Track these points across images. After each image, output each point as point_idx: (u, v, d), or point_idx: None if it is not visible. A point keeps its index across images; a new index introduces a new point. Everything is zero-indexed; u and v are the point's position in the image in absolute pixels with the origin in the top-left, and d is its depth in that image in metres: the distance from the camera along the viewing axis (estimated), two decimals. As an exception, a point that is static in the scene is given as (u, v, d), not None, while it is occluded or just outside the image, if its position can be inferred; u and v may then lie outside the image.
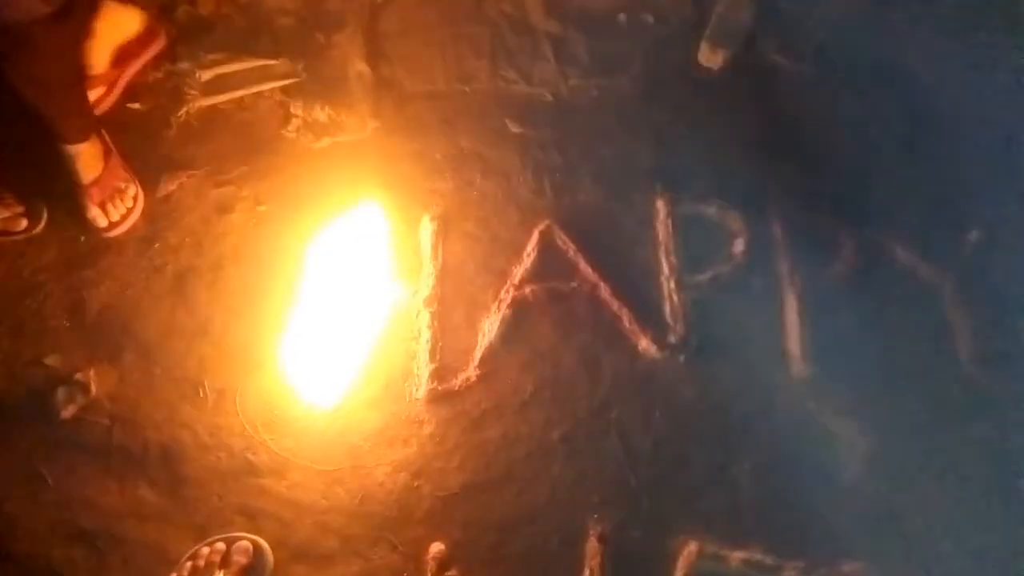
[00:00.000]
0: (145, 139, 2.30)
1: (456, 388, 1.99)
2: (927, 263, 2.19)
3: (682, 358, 2.05)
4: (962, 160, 2.30)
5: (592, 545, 1.81)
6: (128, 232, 2.17)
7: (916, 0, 2.57)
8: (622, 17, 2.58)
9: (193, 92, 2.35)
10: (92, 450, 1.90)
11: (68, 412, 1.92)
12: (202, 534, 1.81)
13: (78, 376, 1.96)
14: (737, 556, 1.80)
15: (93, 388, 1.95)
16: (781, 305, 2.13)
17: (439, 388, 1.98)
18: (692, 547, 1.81)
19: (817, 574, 1.79)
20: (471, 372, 2.01)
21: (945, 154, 2.33)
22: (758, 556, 1.80)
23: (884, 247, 2.21)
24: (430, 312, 2.09)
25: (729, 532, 1.83)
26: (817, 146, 2.38)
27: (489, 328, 2.07)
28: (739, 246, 2.22)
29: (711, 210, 2.27)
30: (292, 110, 2.35)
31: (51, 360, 2.00)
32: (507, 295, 2.11)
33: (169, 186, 2.23)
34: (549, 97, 2.45)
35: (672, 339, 2.07)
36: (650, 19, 2.58)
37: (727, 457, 1.93)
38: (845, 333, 2.09)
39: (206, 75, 2.37)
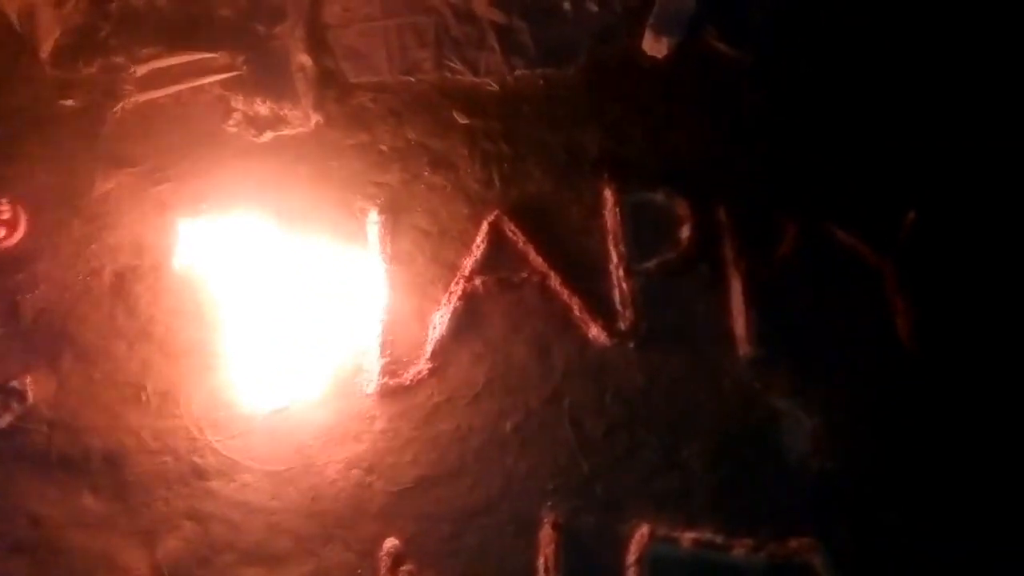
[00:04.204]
0: (79, 137, 2.22)
1: (407, 382, 1.97)
2: (867, 244, 2.22)
3: (632, 344, 2.05)
4: (901, 144, 2.34)
5: (546, 533, 1.81)
6: (64, 233, 2.08)
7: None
8: (567, 5, 2.56)
9: (128, 87, 2.27)
10: (31, 459, 1.84)
11: (4, 421, 1.85)
12: (149, 540, 1.76)
13: (14, 383, 1.90)
14: (688, 537, 1.82)
15: (30, 395, 1.89)
16: (727, 289, 2.14)
17: (390, 383, 1.96)
18: (644, 530, 1.82)
19: (766, 551, 1.81)
20: (422, 366, 1.99)
21: (884, 138, 2.36)
22: (709, 536, 1.82)
23: (825, 230, 2.24)
24: (379, 306, 2.05)
25: (680, 514, 1.85)
26: (759, 132, 2.39)
27: (440, 321, 2.04)
28: (685, 232, 2.23)
29: (658, 197, 2.28)
30: (233, 104, 2.29)
31: (-12, 368, 1.93)
32: (457, 287, 2.09)
33: (106, 184, 2.16)
34: (495, 87, 2.42)
35: (622, 326, 2.07)
36: (594, 7, 2.56)
37: (677, 440, 1.94)
38: (790, 315, 2.11)
39: (142, 70, 2.29)
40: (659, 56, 2.51)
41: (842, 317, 2.13)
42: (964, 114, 2.32)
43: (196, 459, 1.85)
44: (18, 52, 2.27)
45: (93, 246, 2.09)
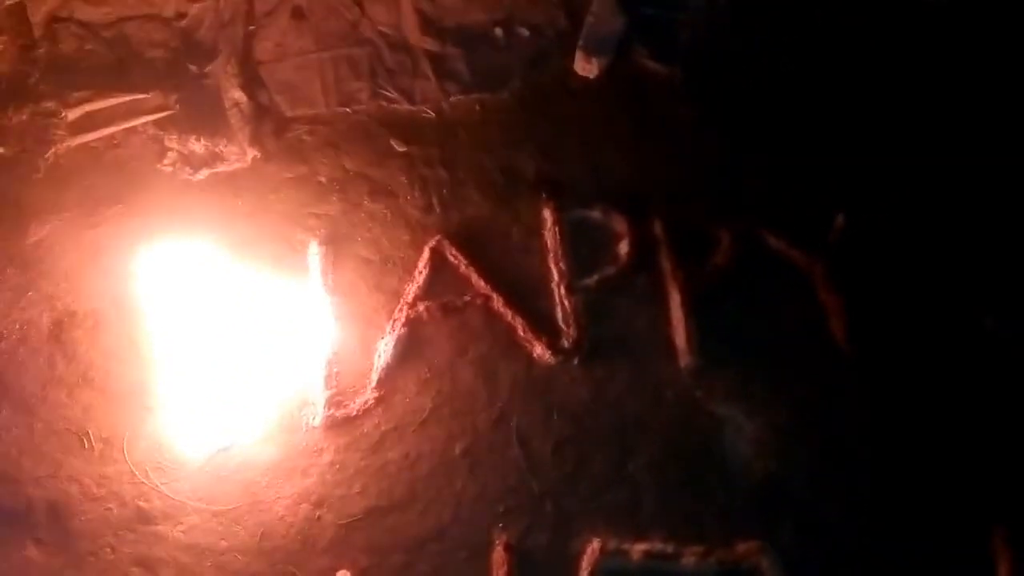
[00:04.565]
0: (12, 184, 2.20)
1: (354, 413, 1.98)
2: (797, 249, 2.30)
3: (576, 361, 2.09)
4: (828, 150, 2.42)
5: (498, 555, 1.82)
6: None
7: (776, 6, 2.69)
8: (498, 31, 2.61)
9: (60, 132, 2.26)
10: (-29, 515, 1.80)
11: (-58, 477, 1.81)
12: (98, 592, 1.74)
13: (-50, 438, 1.86)
14: (638, 549, 1.85)
15: (-33, 449, 1.85)
16: (666, 301, 2.19)
17: (336, 414, 1.96)
18: (595, 545, 1.85)
19: (715, 556, 1.85)
20: (369, 395, 2.00)
21: (811, 145, 2.45)
22: (659, 546, 1.86)
23: (758, 237, 2.31)
24: (323, 338, 2.06)
25: (630, 526, 1.88)
26: (691, 146, 2.47)
27: (384, 349, 2.06)
28: (623, 247, 2.28)
29: (596, 214, 2.33)
30: (167, 143, 2.29)
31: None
32: (401, 314, 2.11)
33: (40, 231, 2.14)
34: (431, 114, 2.46)
35: (565, 343, 2.11)
36: (525, 32, 2.62)
37: (624, 454, 1.97)
38: (728, 323, 2.17)
39: (73, 114, 2.28)
40: (591, 76, 2.57)
41: (778, 322, 2.20)
42: (888, 119, 2.42)
43: (142, 503, 1.84)
44: (-56, 102, 2.24)
45: (30, 294, 2.07)
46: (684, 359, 2.12)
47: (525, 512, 1.88)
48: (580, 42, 2.57)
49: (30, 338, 2.01)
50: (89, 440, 1.89)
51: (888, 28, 2.52)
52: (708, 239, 2.30)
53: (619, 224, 2.31)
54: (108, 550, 1.79)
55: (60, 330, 2.02)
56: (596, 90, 2.55)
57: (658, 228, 2.31)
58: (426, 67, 2.52)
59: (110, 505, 1.83)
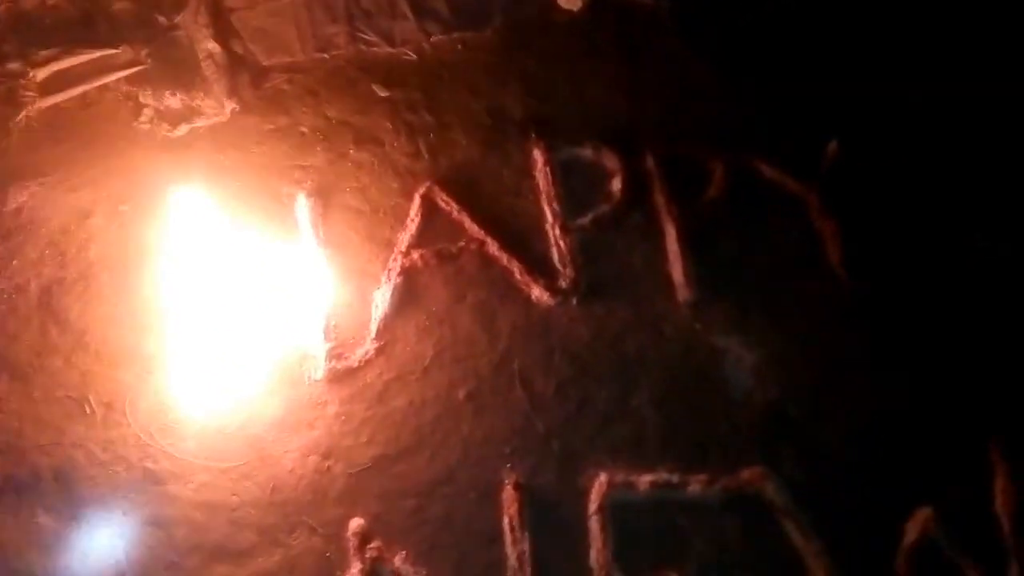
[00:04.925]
0: (-16, 146, 2.13)
1: (356, 364, 1.97)
2: (791, 177, 2.28)
3: (574, 301, 2.09)
4: (819, 76, 2.39)
5: (508, 494, 1.85)
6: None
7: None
8: (478, -35, 2.52)
9: (30, 93, 2.19)
10: (-24, 483, 1.80)
11: (-56, 449, 1.81)
12: (112, 553, 1.75)
13: (-51, 409, 1.84)
14: (645, 480, 1.88)
15: (-32, 419, 1.84)
16: (662, 236, 2.19)
17: (338, 367, 1.96)
18: (602, 479, 1.87)
19: (719, 484, 1.88)
20: (369, 346, 2.00)
21: (801, 71, 2.41)
22: (664, 476, 1.88)
23: (751, 167, 2.29)
24: (319, 291, 2.05)
25: (635, 459, 1.90)
26: (678, 78, 2.43)
27: (382, 299, 2.04)
28: (616, 184, 2.26)
29: (586, 152, 2.30)
30: (142, 100, 2.23)
31: (-83, 398, 1.87)
32: (395, 263, 2.09)
33: (19, 198, 2.09)
34: (413, 56, 2.40)
35: (563, 284, 2.10)
36: (506, -35, 2.53)
37: (626, 390, 1.99)
38: (724, 255, 2.17)
39: (41, 74, 2.20)
40: (575, 10, 2.51)
41: (774, 251, 2.20)
42: (881, 45, 2.38)
43: (149, 465, 1.84)
44: (-96, 67, 2.15)
45: (15, 262, 2.03)
46: (682, 293, 2.12)
47: (532, 451, 1.90)
48: (563, -27, 2.50)
49: (19, 307, 1.98)
50: (90, 405, 1.88)
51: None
52: (701, 172, 2.29)
53: (611, 161, 2.29)
54: (120, 513, 1.80)
55: (49, 297, 1.99)
56: (581, 24, 2.49)
57: (650, 163, 2.29)
58: (404, 7, 2.44)
59: (117, 468, 1.83)
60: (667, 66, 2.44)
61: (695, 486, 1.88)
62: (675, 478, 1.89)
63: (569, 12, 2.50)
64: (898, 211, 2.20)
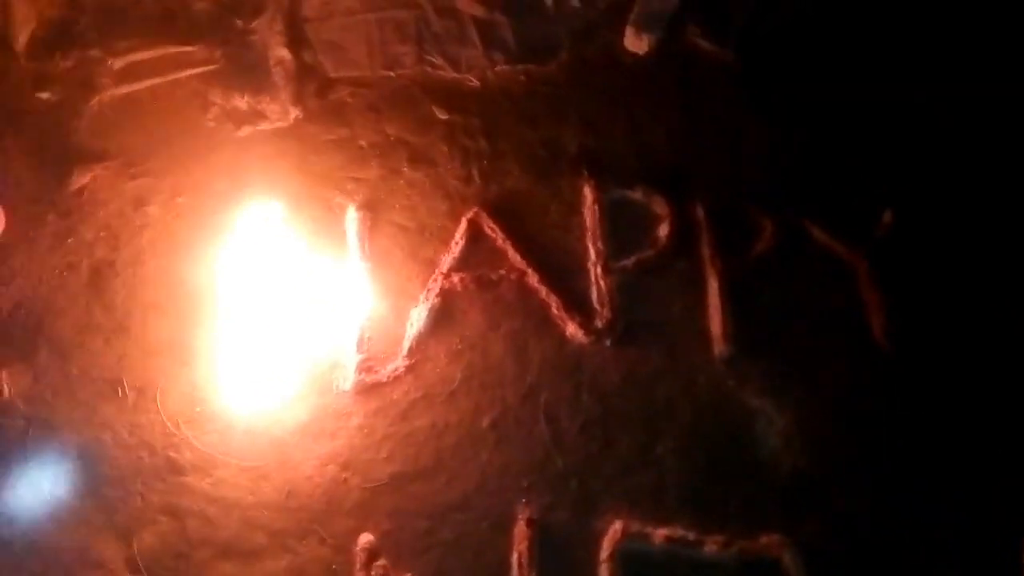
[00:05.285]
0: (55, 130, 2.22)
1: (384, 379, 1.99)
2: (841, 242, 2.26)
3: (608, 342, 2.08)
4: (878, 142, 2.37)
5: (520, 529, 1.84)
6: (40, 227, 2.09)
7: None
8: (548, 1, 2.57)
9: (105, 80, 2.27)
10: (7, 454, 1.85)
11: (-21, 416, 1.86)
12: (125, 535, 1.78)
13: (-11, 377, 1.90)
14: (661, 533, 1.85)
15: (6, 389, 1.90)
16: (703, 287, 2.17)
17: (367, 380, 1.98)
18: (617, 526, 1.85)
19: (736, 547, 1.85)
20: (399, 362, 2.01)
21: (861, 136, 2.40)
22: (680, 532, 1.86)
23: (800, 228, 2.28)
24: (357, 303, 2.07)
25: (653, 510, 1.88)
26: (738, 130, 2.43)
27: (417, 318, 2.06)
28: (664, 230, 2.26)
29: (636, 194, 2.30)
30: (211, 98, 2.30)
31: (-38, 362, 1.94)
32: (435, 284, 2.11)
33: (82, 179, 2.16)
34: (476, 83, 2.44)
35: (599, 324, 2.10)
36: (576, 3, 2.58)
37: (651, 438, 1.97)
38: (765, 313, 2.15)
39: (119, 63, 2.29)
40: (640, 53, 2.53)
41: (816, 315, 2.17)
42: (943, 114, 2.36)
43: (172, 454, 1.87)
44: (-7, 44, 2.26)
45: (70, 240, 2.09)
46: (718, 347, 2.10)
47: (549, 488, 1.89)
48: (632, 17, 2.53)
49: (69, 284, 2.04)
50: (123, 389, 1.93)
51: (953, 17, 2.45)
52: (750, 227, 2.28)
53: (660, 206, 2.29)
54: (137, 497, 1.83)
55: (98, 278, 2.05)
56: (645, 67, 2.51)
57: (700, 212, 2.28)
58: (473, 34, 2.49)
59: (141, 453, 1.87)
60: (727, 117, 2.45)
61: (712, 546, 1.85)
62: (692, 535, 1.86)
63: (634, 54, 2.52)
64: (947, 288, 2.16)
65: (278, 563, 1.78)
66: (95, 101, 2.26)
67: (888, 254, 2.24)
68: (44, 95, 2.25)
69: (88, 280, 2.05)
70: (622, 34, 2.52)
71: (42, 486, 1.82)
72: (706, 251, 2.23)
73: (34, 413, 1.89)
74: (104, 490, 1.83)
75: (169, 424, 1.90)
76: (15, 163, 2.16)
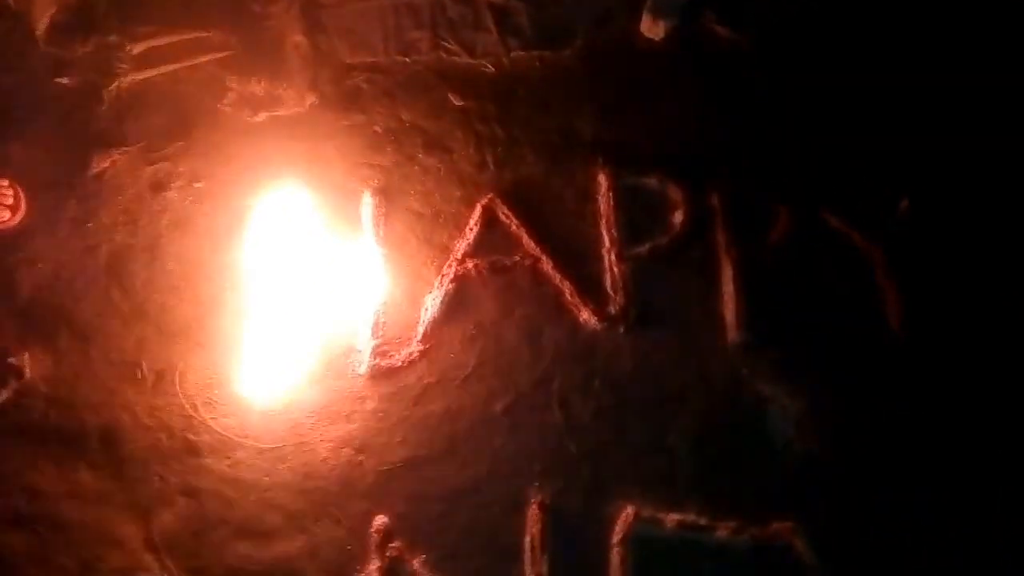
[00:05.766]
0: (75, 115, 2.25)
1: (399, 364, 2.02)
2: (858, 231, 2.26)
3: (622, 329, 2.10)
4: (896, 131, 2.36)
5: (533, 512, 1.87)
6: (60, 212, 2.13)
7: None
8: (565, -15, 2.57)
9: (124, 66, 2.30)
10: (28, 434, 1.90)
11: (2, 396, 1.90)
12: (144, 515, 1.82)
13: (11, 360, 1.95)
14: (672, 518, 1.88)
15: (27, 371, 1.94)
16: (718, 274, 2.18)
17: (382, 364, 2.01)
18: (629, 511, 1.88)
19: (748, 532, 1.87)
20: (414, 347, 2.04)
21: (880, 125, 2.38)
22: (692, 517, 1.88)
23: (816, 217, 2.27)
24: (372, 288, 2.10)
25: (665, 496, 1.90)
26: (755, 117, 2.42)
27: (432, 303, 2.09)
28: (678, 217, 2.26)
29: (652, 182, 2.31)
30: (228, 83, 2.32)
31: (-12, 344, 1.98)
32: (449, 270, 2.13)
33: (101, 163, 2.19)
34: (491, 69, 2.44)
35: (612, 310, 2.12)
36: (593, -13, 2.57)
37: (664, 424, 1.99)
38: (779, 301, 2.15)
39: (137, 48, 2.31)
40: (656, 39, 2.53)
41: (831, 304, 2.17)
42: (962, 103, 2.34)
43: (190, 436, 1.91)
44: (12, 29, 2.29)
45: (89, 224, 2.13)
46: (732, 334, 2.11)
47: (561, 473, 1.91)
48: (648, 3, 2.52)
49: (88, 268, 2.08)
50: (142, 371, 1.97)
51: (972, 8, 2.43)
52: (766, 214, 2.28)
53: (675, 193, 2.29)
54: (156, 478, 1.87)
55: (117, 262, 2.09)
56: (661, 53, 2.50)
57: (715, 200, 2.29)
58: (488, 20, 2.50)
59: (160, 435, 1.91)
60: (742, 104, 2.44)
61: (723, 532, 1.87)
62: (703, 521, 1.88)
63: (650, 41, 2.52)
64: (965, 277, 2.16)
65: (293, 543, 1.82)
66: (114, 86, 2.28)
67: (905, 243, 2.24)
68: (63, 80, 2.28)
69: (107, 264, 2.09)
70: (638, 20, 2.52)
71: (63, 466, 1.86)
72: (721, 238, 2.23)
73: (55, 395, 1.94)
74: (124, 470, 1.88)
75: (187, 406, 1.93)
76: (35, 148, 2.19)
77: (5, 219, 2.04)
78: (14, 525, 1.81)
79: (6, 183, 2.02)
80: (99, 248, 2.11)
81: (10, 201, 1.98)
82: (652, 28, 2.52)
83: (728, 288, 2.16)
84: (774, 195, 2.30)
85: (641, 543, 1.85)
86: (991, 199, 2.22)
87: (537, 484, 1.90)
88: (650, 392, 2.03)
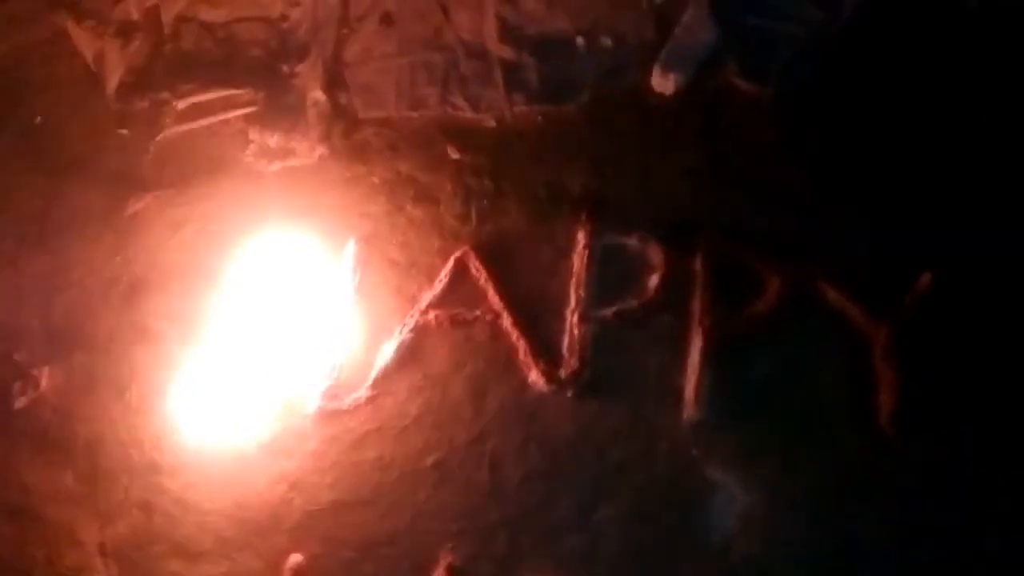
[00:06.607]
0: (124, 161, 2.60)
1: (345, 407, 2.11)
2: (860, 308, 2.03)
3: (570, 393, 2.05)
4: (914, 207, 2.11)
5: (440, 574, 1.85)
6: (98, 245, 2.47)
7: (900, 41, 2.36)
8: (580, 41, 2.58)
9: (169, 120, 2.64)
10: (33, 438, 2.21)
11: (20, 403, 2.24)
12: (104, 521, 2.05)
13: (34, 371, 2.28)
14: (580, 603, 1.78)
15: (43, 383, 2.26)
16: (686, 346, 2.07)
17: (329, 407, 2.12)
18: (537, 588, 1.81)
19: (661, 632, 1.73)
20: (363, 392, 2.13)
21: (897, 199, 2.14)
22: (603, 606, 1.77)
23: (812, 288, 2.08)
24: (337, 332, 2.22)
25: (581, 577, 1.81)
26: (760, 177, 2.27)
27: (387, 351, 2.16)
28: (654, 280, 2.17)
29: (632, 241, 2.24)
30: (250, 136, 2.58)
31: (19, 356, 2.33)
32: (411, 319, 2.20)
33: (136, 205, 2.52)
34: (492, 123, 2.51)
35: (563, 373, 2.07)
36: (608, 42, 2.56)
37: (595, 500, 1.91)
38: (749, 380, 2.00)
39: (182, 104, 2.65)
40: (667, 93, 2.46)
41: (812, 388, 1.98)
42: (986, 182, 2.06)
43: (156, 456, 2.12)
44: (90, 88, 2.71)
45: (117, 258, 2.45)
46: (689, 411, 1.98)
47: (478, 537, 1.90)
48: (661, 56, 2.47)
49: (110, 297, 2.39)
50: (131, 391, 2.21)
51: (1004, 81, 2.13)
52: (754, 283, 2.12)
53: (656, 254, 2.21)
54: (123, 490, 2.10)
55: (132, 293, 2.38)
56: (669, 108, 2.44)
57: (698, 264, 2.17)
58: (497, 75, 2.57)
59: (132, 451, 2.14)
60: (751, 163, 2.30)
61: (633, 626, 1.75)
62: (614, 611, 1.77)
63: (660, 96, 2.46)
64: (973, 374, 1.87)
65: (217, 568, 1.95)
66: (160, 137, 2.63)
67: (914, 328, 1.98)
68: (124, 132, 2.66)
69: (125, 294, 2.39)
70: (650, 75, 2.47)
71: (53, 471, 2.14)
72: (697, 306, 2.11)
73: (60, 406, 2.24)
74: (99, 480, 2.12)
75: (159, 427, 2.15)
76: (91, 190, 2.57)
77: None
78: (8, 516, 2.11)
79: None
80: (121, 279, 2.42)
81: None
82: (662, 82, 2.46)
83: (694, 360, 2.04)
84: (768, 262, 2.15)
85: (543, 624, 1.78)
86: (1015, 289, 1.91)
87: (450, 546, 1.90)
88: (587, 463, 1.96)
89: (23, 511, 2.11)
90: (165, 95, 2.66)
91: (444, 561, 1.87)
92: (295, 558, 1.92)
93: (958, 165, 2.12)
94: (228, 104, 2.63)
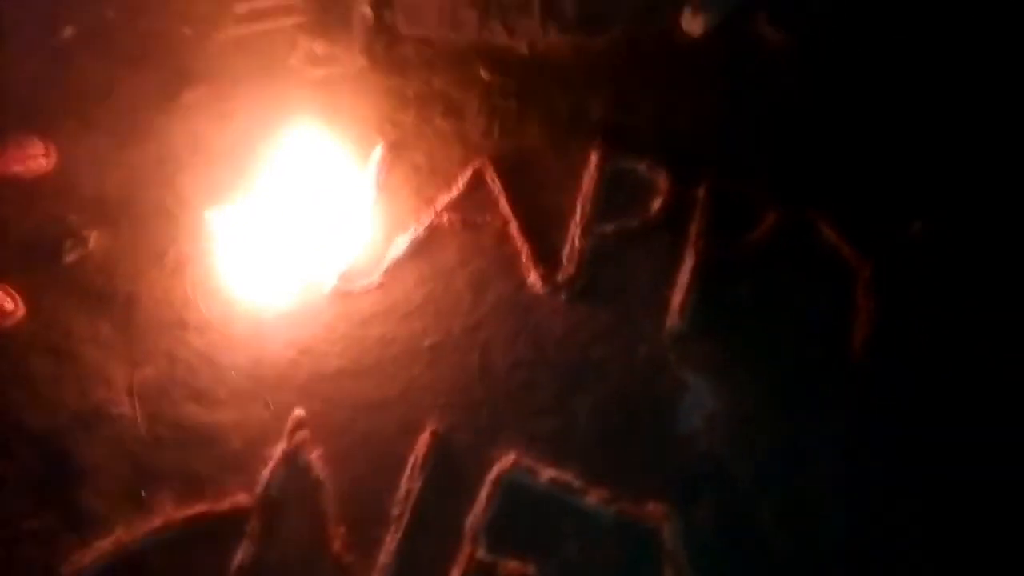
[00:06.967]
0: (185, 56, 2.82)
1: (357, 290, 2.31)
2: (850, 244, 2.16)
3: (564, 296, 2.21)
4: (915, 156, 2.21)
5: (425, 437, 2.05)
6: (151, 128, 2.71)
7: None
8: (621, -26, 2.71)
9: (229, 21, 2.85)
10: (80, 289, 2.43)
11: (70, 258, 2.48)
12: (133, 366, 2.28)
13: (84, 232, 2.52)
14: (548, 473, 1.96)
15: (91, 244, 2.50)
16: (678, 263, 2.22)
17: (342, 288, 2.31)
18: (510, 456, 1.99)
19: (618, 504, 1.90)
20: (375, 278, 2.32)
21: (900, 146, 2.24)
22: (567, 478, 1.95)
23: (806, 223, 2.21)
24: (358, 224, 2.41)
25: (550, 452, 1.99)
26: (777, 119, 2.41)
27: (400, 244, 2.35)
28: (657, 203, 2.32)
29: (641, 167, 2.39)
30: (299, 43, 2.78)
31: (73, 218, 2.58)
32: (426, 218, 2.38)
33: (190, 96, 2.74)
34: (525, 50, 2.68)
35: (560, 278, 2.24)
36: (648, -23, 2.69)
37: (574, 387, 2.08)
38: (732, 299, 2.15)
39: (242, 8, 2.86)
40: (695, 35, 2.59)
41: (791, 313, 2.12)
42: (994, 136, 2.15)
43: (184, 314, 2.34)
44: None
45: (167, 141, 2.67)
46: (672, 320, 2.14)
47: (462, 410, 2.08)
48: (694, -1, 2.59)
49: (157, 173, 2.60)
50: (167, 258, 2.44)
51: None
52: (752, 214, 2.26)
53: (662, 181, 2.36)
54: (151, 342, 2.31)
55: (177, 171, 2.59)
56: (695, 50, 2.58)
57: (702, 192, 2.32)
58: (535, 5, 2.72)
59: (164, 308, 2.35)
60: (767, 107, 2.44)
61: (593, 498, 1.92)
62: (577, 483, 1.94)
63: (689, 37, 2.58)
64: (951, 313, 1.99)
65: (228, 415, 2.16)
66: (219, 36, 2.84)
67: (899, 265, 2.10)
68: (187, 30, 2.88)
69: (171, 172, 2.60)
70: (681, 16, 2.60)
71: (97, 316, 2.39)
72: (694, 230, 2.26)
73: (104, 264, 2.43)
74: (134, 328, 2.35)
75: (189, 291, 2.37)
76: (150, 80, 2.79)
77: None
78: (49, 353, 2.35)
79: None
80: (168, 160, 2.64)
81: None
82: (691, 24, 2.59)
83: (684, 277, 2.19)
84: (768, 196, 2.28)
85: (512, 487, 1.96)
86: (1004, 235, 2.00)
87: (437, 415, 2.08)
88: (571, 358, 2.13)
89: (64, 351, 2.35)
90: (227, -1, 2.89)
91: (429, 427, 2.06)
92: (298, 411, 2.13)
93: (967, 123, 2.21)
94: (283, 11, 2.83)
